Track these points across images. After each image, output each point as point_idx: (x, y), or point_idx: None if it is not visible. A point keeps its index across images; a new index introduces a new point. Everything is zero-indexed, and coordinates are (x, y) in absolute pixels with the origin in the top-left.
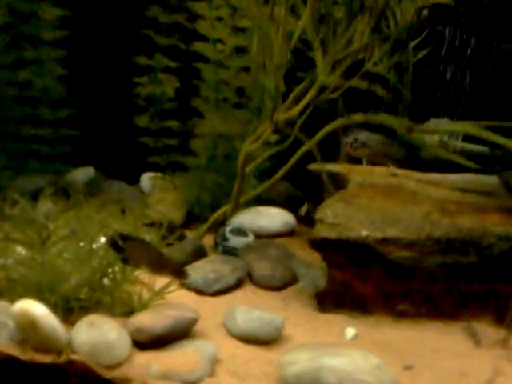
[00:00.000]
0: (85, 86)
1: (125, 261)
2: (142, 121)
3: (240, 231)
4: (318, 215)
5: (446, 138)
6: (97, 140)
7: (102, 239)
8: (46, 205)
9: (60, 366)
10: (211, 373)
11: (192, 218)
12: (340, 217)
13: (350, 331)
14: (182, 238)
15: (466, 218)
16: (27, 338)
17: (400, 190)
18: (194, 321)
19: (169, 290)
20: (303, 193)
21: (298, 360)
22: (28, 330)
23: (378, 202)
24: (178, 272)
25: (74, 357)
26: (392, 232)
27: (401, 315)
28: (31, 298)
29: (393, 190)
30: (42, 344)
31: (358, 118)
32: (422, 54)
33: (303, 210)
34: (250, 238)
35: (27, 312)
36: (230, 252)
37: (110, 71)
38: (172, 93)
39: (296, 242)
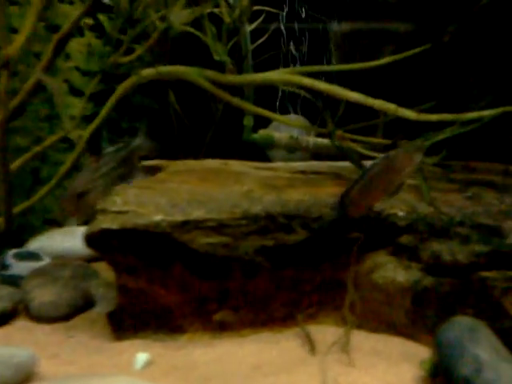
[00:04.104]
0: None
1: None
2: None
3: (30, 255)
4: (101, 205)
5: (295, 133)
6: None
7: None
8: None
9: None
10: None
11: None
12: (131, 203)
13: (141, 358)
14: None
15: (296, 192)
16: None
17: (221, 173)
18: None
19: None
20: None
21: None
22: None
23: (190, 185)
24: None
25: None
26: (197, 214)
27: (221, 328)
28: None
29: (213, 173)
30: None
31: (149, 72)
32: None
33: None
34: (45, 262)
35: None
36: (13, 281)
37: None
38: None
39: None
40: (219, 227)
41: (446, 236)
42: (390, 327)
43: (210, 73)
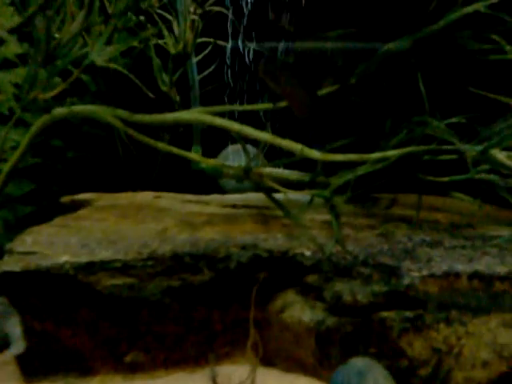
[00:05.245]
0: None
1: None
2: None
3: None
4: (9, 245)
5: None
6: None
7: None
8: None
9: None
10: None
11: None
12: (40, 244)
13: None
14: None
15: (212, 230)
16: None
17: (145, 209)
18: None
19: None
20: None
21: None
22: None
23: (107, 223)
24: None
25: None
26: (103, 254)
27: (133, 369)
28: None
29: (136, 209)
30: None
31: (62, 111)
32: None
33: None
34: None
35: None
36: None
37: None
38: None
39: None
40: (124, 268)
41: (349, 276)
42: (300, 367)
43: (121, 112)
